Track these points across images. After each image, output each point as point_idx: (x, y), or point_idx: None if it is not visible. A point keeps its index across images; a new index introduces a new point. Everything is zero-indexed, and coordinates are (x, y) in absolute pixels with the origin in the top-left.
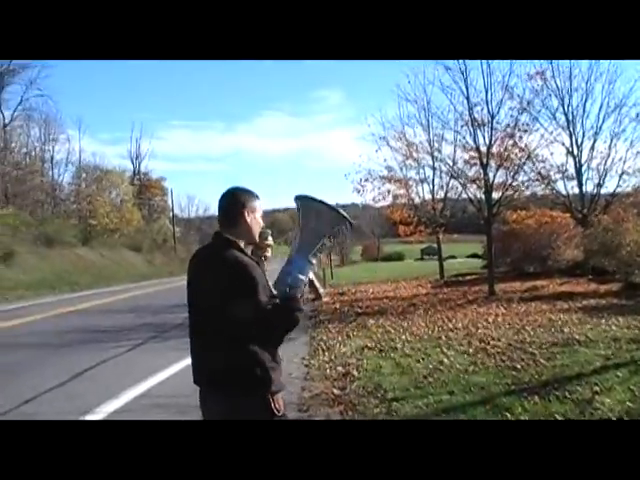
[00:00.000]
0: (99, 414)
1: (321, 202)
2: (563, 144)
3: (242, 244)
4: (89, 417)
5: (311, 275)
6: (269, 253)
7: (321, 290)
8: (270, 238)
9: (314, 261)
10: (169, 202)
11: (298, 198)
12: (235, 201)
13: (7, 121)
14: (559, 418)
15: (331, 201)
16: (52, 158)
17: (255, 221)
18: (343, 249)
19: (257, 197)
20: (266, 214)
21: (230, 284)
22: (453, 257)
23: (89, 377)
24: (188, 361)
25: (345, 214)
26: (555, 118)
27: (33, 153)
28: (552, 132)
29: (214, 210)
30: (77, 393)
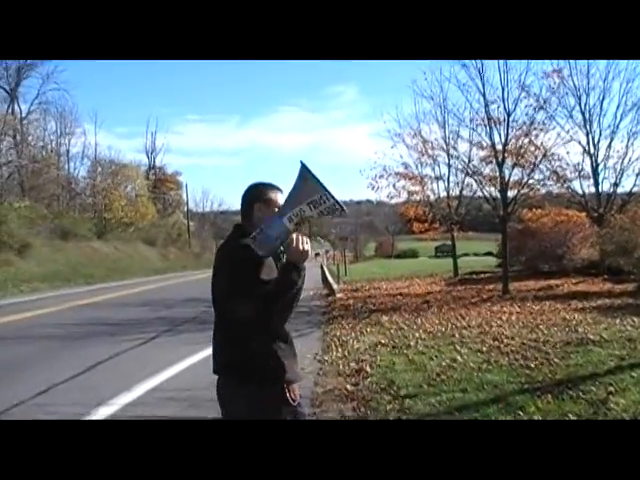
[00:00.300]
0: (112, 406)
1: (315, 177)
2: (579, 143)
3: None
4: (103, 409)
5: (326, 272)
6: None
7: (335, 286)
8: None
9: (288, 224)
10: (184, 196)
11: (302, 164)
12: (248, 195)
13: (24, 114)
14: (572, 418)
15: (345, 197)
16: (68, 152)
17: (268, 213)
18: (357, 245)
19: (275, 189)
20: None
21: (231, 267)
22: (467, 255)
23: (103, 370)
24: (200, 355)
25: (334, 197)
26: (572, 116)
27: (49, 146)
28: (569, 131)
29: (229, 204)
30: (91, 385)
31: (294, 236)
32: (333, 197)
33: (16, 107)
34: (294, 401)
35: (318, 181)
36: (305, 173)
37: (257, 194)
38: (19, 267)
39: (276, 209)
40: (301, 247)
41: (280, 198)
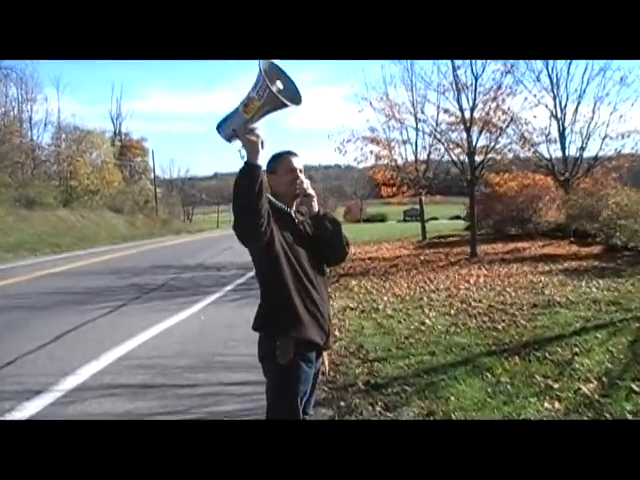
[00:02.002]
0: (80, 376)
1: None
2: (547, 107)
3: (285, 200)
4: (71, 378)
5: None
6: (314, 204)
7: None
8: (311, 190)
9: (241, 109)
10: (150, 163)
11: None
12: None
13: None
14: (539, 378)
15: (314, 162)
16: (30, 118)
17: (279, 179)
18: (326, 210)
19: (283, 155)
20: None
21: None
22: (435, 219)
23: (70, 339)
24: (169, 322)
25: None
26: (539, 80)
27: (11, 113)
28: (536, 95)
29: (196, 171)
30: (58, 355)
31: (247, 129)
32: (264, 74)
33: None
34: (283, 361)
35: (260, 69)
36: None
37: (267, 166)
38: None
39: (285, 175)
40: (251, 137)
41: (287, 163)
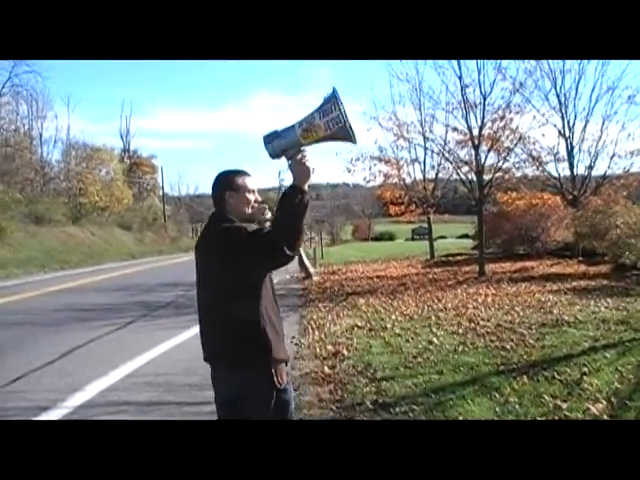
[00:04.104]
0: (88, 392)
1: (337, 99)
2: (555, 126)
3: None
4: (79, 395)
5: (303, 255)
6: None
7: (311, 269)
8: (268, 213)
9: (298, 129)
10: (159, 180)
11: (334, 89)
12: (216, 184)
13: None
14: (547, 398)
15: (322, 180)
16: (41, 135)
17: (240, 199)
18: (334, 228)
19: (243, 175)
20: (259, 193)
21: (218, 245)
22: (444, 237)
23: (78, 355)
24: (176, 340)
25: (342, 108)
26: (547, 99)
27: (22, 130)
28: (544, 114)
29: (204, 189)
30: (66, 371)
31: (299, 152)
32: (341, 106)
33: None
34: (280, 384)
35: (335, 97)
36: (332, 95)
37: (226, 182)
38: None
39: (247, 194)
40: (305, 162)
41: (249, 182)
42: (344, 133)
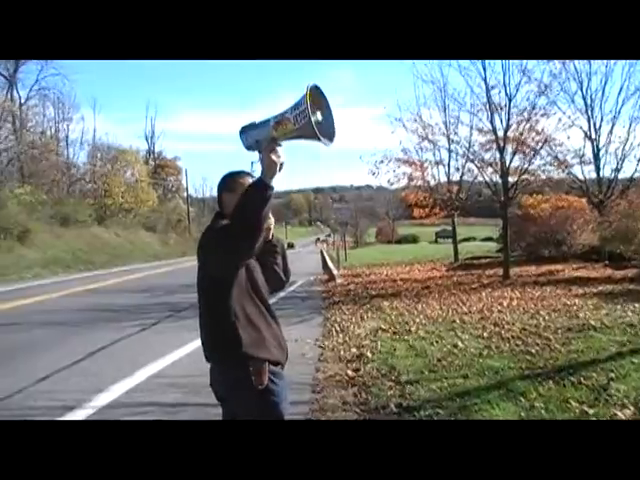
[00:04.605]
0: (113, 392)
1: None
2: (581, 128)
3: None
4: (104, 395)
5: (326, 257)
6: (271, 230)
7: (335, 272)
8: (271, 218)
9: (272, 124)
10: (183, 182)
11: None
12: (218, 186)
13: (23, 100)
14: (574, 404)
15: (346, 183)
16: (67, 137)
17: (236, 198)
18: (357, 231)
19: (244, 176)
20: (280, 195)
21: (202, 244)
22: (467, 240)
23: (104, 356)
24: (200, 341)
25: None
26: (573, 102)
27: (48, 132)
28: (570, 116)
29: None
30: (92, 371)
31: (271, 145)
32: (308, 100)
33: (15, 93)
34: (260, 384)
35: (308, 90)
36: (306, 89)
37: (223, 184)
38: (20, 253)
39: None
40: (274, 156)
41: (248, 182)
42: (309, 129)
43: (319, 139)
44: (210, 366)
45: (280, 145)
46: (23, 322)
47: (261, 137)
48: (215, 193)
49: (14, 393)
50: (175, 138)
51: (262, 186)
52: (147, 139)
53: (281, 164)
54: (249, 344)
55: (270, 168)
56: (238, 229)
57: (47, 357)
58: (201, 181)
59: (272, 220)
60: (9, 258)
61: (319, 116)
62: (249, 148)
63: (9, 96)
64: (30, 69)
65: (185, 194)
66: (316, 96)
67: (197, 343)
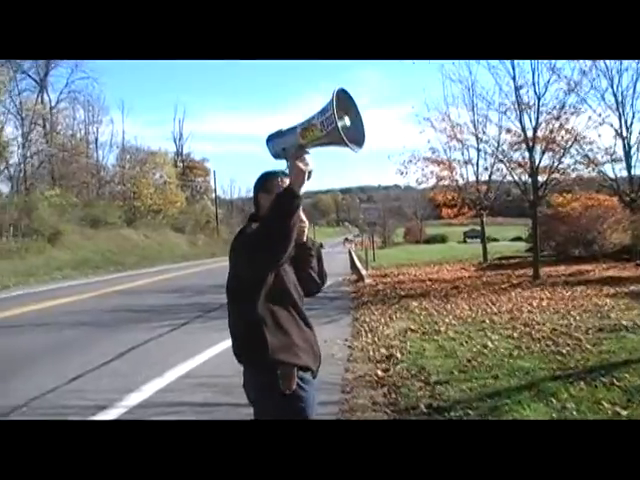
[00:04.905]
0: (144, 392)
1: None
2: (612, 126)
3: None
4: (134, 395)
5: (355, 258)
6: (306, 231)
7: (363, 272)
8: (305, 221)
9: (299, 131)
10: (212, 183)
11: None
12: (254, 186)
13: (53, 104)
14: (606, 405)
15: (373, 183)
16: (96, 140)
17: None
18: (385, 231)
19: (280, 176)
20: (308, 195)
21: (234, 250)
22: (496, 240)
23: (134, 356)
24: (230, 341)
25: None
26: (604, 99)
27: (78, 135)
28: (600, 114)
29: None
30: (122, 371)
31: (298, 153)
32: (334, 105)
33: (45, 96)
34: (288, 390)
35: (334, 95)
36: (333, 95)
37: (259, 184)
38: (51, 254)
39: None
40: (301, 164)
41: (285, 183)
42: (336, 135)
43: (347, 145)
44: (242, 368)
45: (308, 152)
46: (54, 322)
47: (288, 145)
48: (243, 194)
49: (47, 392)
50: (203, 140)
51: (290, 195)
52: (175, 141)
53: (309, 172)
54: (278, 349)
55: (298, 176)
56: (267, 238)
57: (78, 357)
58: (229, 182)
59: (306, 223)
60: (40, 259)
61: (347, 121)
62: (276, 156)
63: (40, 100)
64: (60, 72)
65: (213, 195)
66: (343, 100)
67: (226, 343)
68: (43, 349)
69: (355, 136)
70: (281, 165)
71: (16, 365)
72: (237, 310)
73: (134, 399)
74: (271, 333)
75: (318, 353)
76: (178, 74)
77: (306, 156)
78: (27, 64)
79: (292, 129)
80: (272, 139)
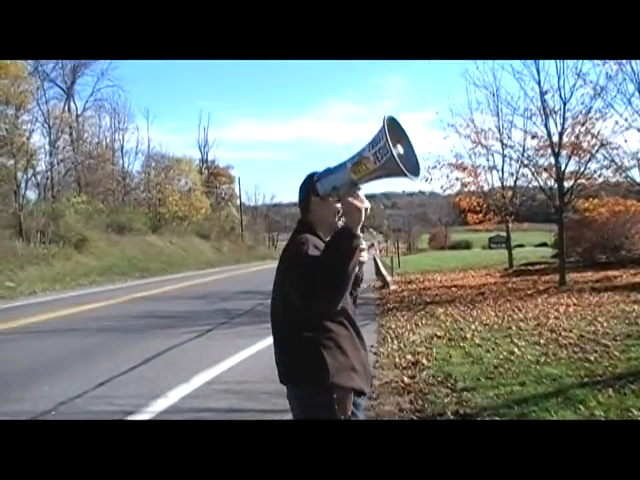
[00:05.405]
0: (170, 398)
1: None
2: (639, 130)
3: (322, 229)
4: (161, 401)
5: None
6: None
7: (388, 278)
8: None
9: (349, 166)
10: (236, 190)
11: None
12: (303, 187)
13: (79, 112)
14: (635, 413)
15: (397, 189)
16: (122, 147)
17: (326, 205)
18: (410, 237)
19: None
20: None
21: (284, 262)
22: (521, 246)
23: (160, 361)
24: (255, 348)
25: (387, 135)
26: (631, 103)
27: (104, 142)
28: (627, 118)
29: (280, 198)
30: (149, 377)
31: (351, 191)
32: (388, 134)
33: (72, 104)
34: (342, 415)
35: (385, 124)
36: (383, 123)
37: (312, 186)
38: (77, 261)
39: (333, 201)
40: (356, 202)
41: None
42: (392, 165)
43: (405, 175)
44: (287, 389)
45: (360, 189)
46: (81, 328)
47: (339, 183)
48: (267, 201)
49: (74, 397)
50: (228, 147)
51: (349, 236)
52: (200, 148)
53: (366, 209)
54: (336, 371)
55: (354, 216)
56: (326, 284)
57: (105, 362)
58: (253, 189)
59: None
60: (67, 265)
61: (400, 149)
62: (327, 196)
63: (67, 108)
64: (86, 81)
65: (238, 202)
66: (393, 128)
67: (251, 350)
68: (70, 354)
69: (411, 164)
70: (316, 167)
71: (44, 370)
72: (290, 325)
73: (160, 405)
74: (330, 354)
75: (370, 375)
76: (203, 82)
77: (360, 193)
78: (54, 73)
79: (341, 165)
80: (321, 178)
